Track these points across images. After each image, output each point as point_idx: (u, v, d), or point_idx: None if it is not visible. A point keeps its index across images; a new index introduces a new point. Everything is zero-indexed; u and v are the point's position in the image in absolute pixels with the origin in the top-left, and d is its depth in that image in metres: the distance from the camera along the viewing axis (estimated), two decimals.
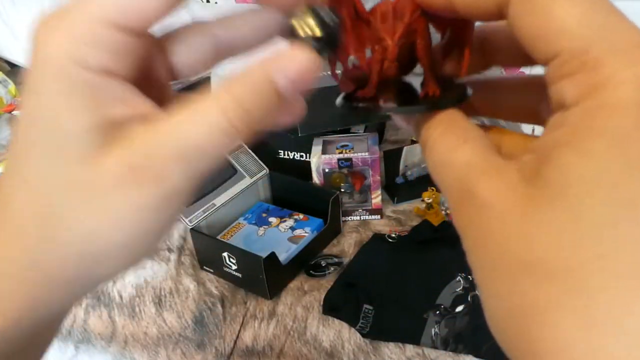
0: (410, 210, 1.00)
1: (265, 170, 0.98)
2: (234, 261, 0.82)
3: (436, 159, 0.19)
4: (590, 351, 0.13)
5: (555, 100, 0.16)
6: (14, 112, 1.42)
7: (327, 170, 0.96)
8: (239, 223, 0.95)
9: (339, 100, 0.24)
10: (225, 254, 0.82)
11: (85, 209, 0.17)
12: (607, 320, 0.13)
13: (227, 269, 0.84)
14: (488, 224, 0.16)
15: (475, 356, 0.70)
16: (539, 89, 0.18)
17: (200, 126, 0.17)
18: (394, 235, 0.92)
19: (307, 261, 0.88)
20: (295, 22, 0.21)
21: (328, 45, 0.21)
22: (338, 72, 0.23)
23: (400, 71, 0.23)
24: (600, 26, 0.15)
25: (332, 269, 0.86)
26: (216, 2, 1.79)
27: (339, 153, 0.95)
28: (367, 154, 0.94)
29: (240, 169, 0.96)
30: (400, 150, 1.01)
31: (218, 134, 0.18)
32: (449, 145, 0.19)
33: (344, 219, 0.97)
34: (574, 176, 0.14)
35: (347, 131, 1.05)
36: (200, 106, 0.18)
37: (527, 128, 0.79)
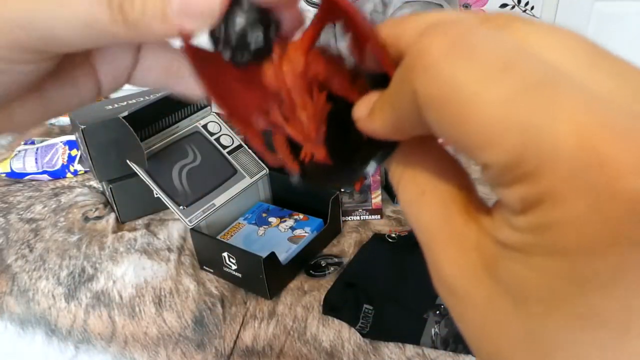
0: None
1: (265, 170, 0.98)
2: (233, 261, 0.82)
3: (403, 208, 0.18)
4: None
5: (500, 200, 0.14)
6: None
7: None
8: (239, 223, 0.95)
9: (294, 179, 0.20)
10: (225, 254, 0.82)
11: None
12: None
13: (227, 269, 0.84)
14: (458, 308, 0.16)
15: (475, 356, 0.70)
16: None
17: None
18: (394, 235, 0.92)
19: (307, 261, 0.88)
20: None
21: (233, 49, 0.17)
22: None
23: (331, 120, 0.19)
24: (533, 126, 0.12)
25: (332, 269, 0.86)
26: None
27: None
28: None
29: (240, 169, 0.96)
30: None
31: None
32: (408, 200, 0.17)
33: (344, 219, 0.97)
34: (533, 294, 0.13)
35: None
36: None
37: None
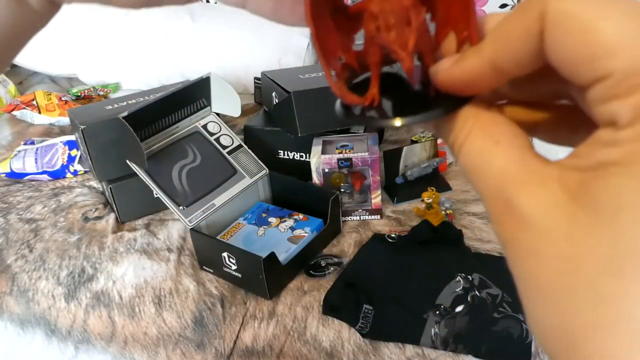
0: (410, 210, 1.00)
1: (265, 171, 0.98)
2: (233, 261, 0.82)
3: (467, 164, 0.18)
4: None
5: (604, 118, 0.15)
6: (14, 112, 1.42)
7: (326, 170, 0.96)
8: (239, 223, 0.95)
9: (338, 107, 0.22)
10: (225, 254, 0.82)
11: None
12: None
13: (226, 269, 0.84)
14: (530, 240, 0.15)
15: (475, 356, 0.70)
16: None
17: None
18: (393, 235, 0.92)
19: (306, 261, 0.88)
20: None
21: None
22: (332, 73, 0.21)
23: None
24: None
25: (331, 269, 0.86)
26: (216, 2, 1.79)
27: (339, 153, 0.95)
28: (367, 154, 0.94)
29: (240, 169, 0.96)
30: (400, 150, 1.01)
31: None
32: (479, 148, 0.17)
33: (343, 219, 0.97)
34: (628, 202, 0.13)
35: (346, 131, 1.05)
36: None
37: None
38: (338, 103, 0.22)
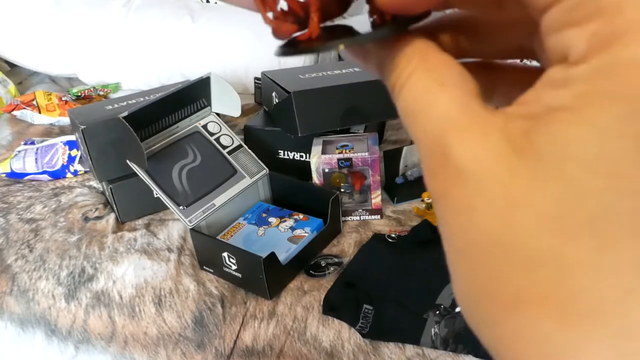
0: (410, 210, 1.00)
1: (265, 171, 0.98)
2: (233, 261, 0.82)
3: (406, 108, 0.16)
4: (570, 349, 0.11)
5: (556, 52, 0.13)
6: (14, 112, 1.42)
7: (327, 170, 0.96)
8: (239, 223, 0.95)
9: (277, 49, 0.19)
10: (225, 254, 0.82)
11: None
12: (589, 316, 0.11)
13: (227, 269, 0.84)
14: (464, 196, 0.14)
15: (475, 356, 0.70)
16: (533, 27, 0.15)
17: None
18: (394, 235, 0.92)
19: (307, 261, 0.88)
20: None
21: None
22: (270, 15, 0.19)
23: (342, 6, 0.19)
24: None
25: (332, 269, 0.86)
26: (216, 2, 1.79)
27: (339, 153, 0.95)
28: (367, 154, 0.94)
29: (240, 169, 0.96)
30: (400, 150, 1.01)
31: None
32: (421, 90, 0.15)
33: (343, 219, 0.97)
34: (576, 153, 0.11)
35: (346, 131, 1.05)
36: None
37: None
38: (278, 46, 0.20)
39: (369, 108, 1.00)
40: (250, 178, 0.96)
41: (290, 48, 0.18)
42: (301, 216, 0.95)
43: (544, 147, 0.12)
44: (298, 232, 0.91)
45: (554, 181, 0.12)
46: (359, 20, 0.19)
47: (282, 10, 0.19)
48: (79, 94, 1.56)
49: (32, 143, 1.24)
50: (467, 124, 0.14)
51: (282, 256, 0.83)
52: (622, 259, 0.11)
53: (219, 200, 0.91)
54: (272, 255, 0.79)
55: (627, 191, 0.11)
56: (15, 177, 1.16)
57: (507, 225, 0.12)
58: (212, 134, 0.99)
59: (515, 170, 0.13)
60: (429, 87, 0.15)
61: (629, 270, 0.11)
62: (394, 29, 0.17)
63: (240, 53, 1.54)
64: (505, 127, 0.13)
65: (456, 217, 0.14)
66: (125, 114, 0.83)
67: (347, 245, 0.92)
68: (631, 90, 0.11)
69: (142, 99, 1.05)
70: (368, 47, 0.18)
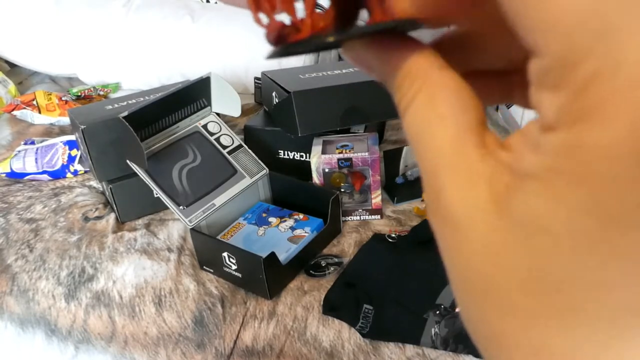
0: (410, 210, 1.00)
1: (265, 170, 0.98)
2: (233, 261, 0.82)
3: (408, 129, 0.16)
4: None
5: (535, 106, 0.13)
6: (14, 112, 1.42)
7: (327, 170, 0.96)
8: (239, 223, 0.95)
9: (268, 52, 0.19)
10: (225, 254, 0.82)
11: None
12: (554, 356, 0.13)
13: (227, 269, 0.84)
14: (455, 240, 0.15)
15: (475, 356, 0.70)
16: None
17: None
18: (394, 235, 0.92)
19: (307, 261, 0.88)
20: None
21: None
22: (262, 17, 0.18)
23: (340, 21, 0.18)
24: (613, 28, 0.10)
25: (332, 269, 0.86)
26: (216, 2, 1.79)
27: (339, 153, 0.95)
28: (367, 154, 0.94)
29: (240, 169, 0.96)
30: (400, 150, 1.01)
31: None
32: (421, 118, 0.15)
33: (344, 219, 0.97)
34: (543, 226, 0.12)
35: (347, 131, 1.05)
36: None
37: None
38: (270, 49, 0.19)
39: (369, 108, 1.00)
40: (251, 178, 0.96)
41: (281, 48, 0.18)
42: (301, 216, 0.95)
43: (518, 214, 0.13)
44: (298, 232, 0.91)
45: (525, 249, 0.13)
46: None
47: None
48: (79, 94, 1.56)
49: (32, 143, 1.24)
50: (458, 167, 0.14)
51: (282, 256, 0.83)
52: (584, 326, 0.12)
53: (219, 200, 0.91)
54: (272, 255, 0.79)
55: (591, 265, 0.12)
56: (15, 177, 1.16)
57: (485, 275, 0.14)
58: (212, 134, 0.99)
59: (495, 228, 0.13)
60: (428, 117, 0.15)
61: (588, 336, 0.12)
62: (391, 25, 0.16)
63: (240, 53, 1.54)
64: (492, 179, 0.14)
65: (452, 259, 0.15)
66: (126, 113, 0.83)
67: (347, 245, 0.92)
68: (593, 176, 0.11)
69: (142, 99, 1.05)
70: (370, 58, 0.18)
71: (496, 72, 0.19)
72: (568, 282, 0.12)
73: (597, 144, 0.11)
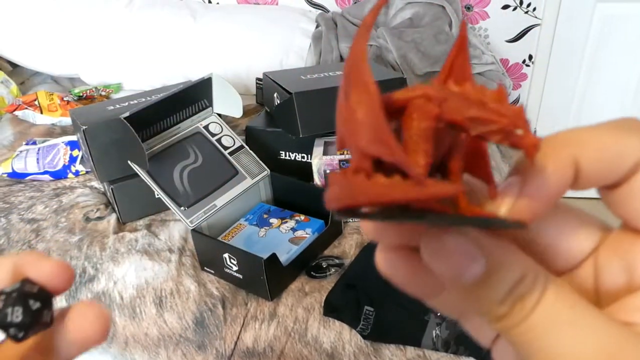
0: None
1: (267, 172, 0.98)
2: (234, 262, 0.82)
3: (537, 339, 0.14)
4: None
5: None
6: (16, 112, 1.42)
7: (328, 171, 0.96)
8: (240, 224, 0.95)
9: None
10: (226, 255, 0.82)
11: None
12: None
13: (228, 270, 0.84)
14: None
15: (476, 358, 0.70)
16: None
17: None
18: None
19: (308, 262, 0.88)
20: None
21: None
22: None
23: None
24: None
25: (333, 270, 0.86)
26: (218, 3, 1.79)
27: (340, 154, 0.95)
28: None
29: (242, 170, 0.96)
30: None
31: None
32: (560, 320, 0.14)
33: (345, 220, 0.97)
34: None
35: None
36: None
37: None
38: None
39: None
40: (252, 179, 0.96)
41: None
42: (302, 217, 0.95)
43: None
44: (299, 233, 0.91)
45: None
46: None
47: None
48: (81, 94, 1.56)
49: (34, 143, 1.24)
50: None
51: (283, 257, 0.83)
52: None
53: (220, 201, 0.91)
54: (273, 257, 0.79)
55: None
56: (17, 177, 1.17)
57: None
58: (213, 135, 0.99)
59: None
60: (567, 317, 0.14)
61: None
62: (509, 224, 0.15)
63: (241, 54, 1.54)
64: None
65: None
66: (127, 114, 0.83)
67: (348, 246, 0.92)
68: None
69: (143, 100, 1.05)
70: (470, 247, 0.15)
71: None
72: None
73: None
